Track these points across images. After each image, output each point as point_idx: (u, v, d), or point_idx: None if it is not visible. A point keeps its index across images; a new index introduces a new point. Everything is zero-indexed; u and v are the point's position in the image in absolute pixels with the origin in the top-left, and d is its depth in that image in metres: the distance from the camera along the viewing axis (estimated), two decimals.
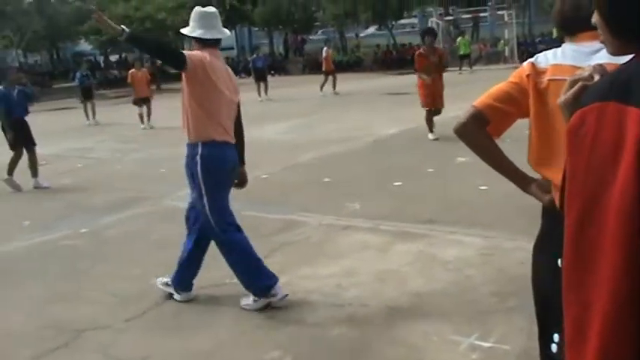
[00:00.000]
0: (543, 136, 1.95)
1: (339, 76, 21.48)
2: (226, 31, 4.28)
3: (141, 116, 15.62)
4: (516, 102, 2.01)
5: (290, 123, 13.94)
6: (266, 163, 9.26)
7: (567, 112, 1.18)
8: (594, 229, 1.02)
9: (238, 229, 4.21)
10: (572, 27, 1.95)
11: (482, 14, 32.13)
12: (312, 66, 32.49)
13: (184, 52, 4.07)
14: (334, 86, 20.56)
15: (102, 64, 45.26)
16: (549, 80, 1.92)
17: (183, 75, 4.04)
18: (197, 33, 4.11)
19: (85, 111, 18.00)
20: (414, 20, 39.64)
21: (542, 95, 1.94)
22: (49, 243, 6.22)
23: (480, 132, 2.06)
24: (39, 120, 18.70)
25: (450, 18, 30.77)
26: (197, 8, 4.21)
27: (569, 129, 1.10)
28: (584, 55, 1.85)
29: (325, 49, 21.87)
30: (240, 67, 36.18)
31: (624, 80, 1.03)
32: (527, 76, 1.98)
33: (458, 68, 25.74)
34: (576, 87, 1.23)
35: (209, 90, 4.00)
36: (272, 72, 28.76)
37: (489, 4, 33.03)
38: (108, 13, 34.83)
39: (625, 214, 0.98)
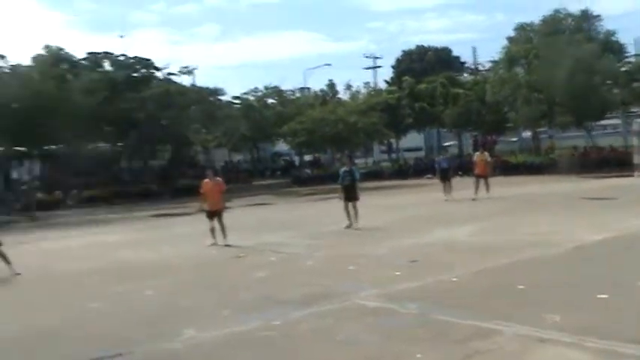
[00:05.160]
0: None
1: (534, 178, 20.84)
2: None
3: (212, 230, 13.67)
4: None
5: (478, 225, 13.55)
6: (455, 266, 9.02)
7: None
8: None
9: None
10: None
11: None
12: (503, 167, 31.65)
13: None
14: (487, 189, 20.40)
15: (296, 164, 48.19)
16: None
17: None
18: None
19: (347, 211, 14.90)
20: (617, 121, 37.59)
21: None
22: (245, 333, 6.43)
23: None
24: (235, 214, 20.12)
25: None
26: None
27: None
28: None
29: (477, 153, 22.70)
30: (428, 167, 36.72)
31: None
32: None
33: None
34: None
35: None
36: (459, 172, 28.48)
37: None
38: (306, 117, 37.51)
39: None
